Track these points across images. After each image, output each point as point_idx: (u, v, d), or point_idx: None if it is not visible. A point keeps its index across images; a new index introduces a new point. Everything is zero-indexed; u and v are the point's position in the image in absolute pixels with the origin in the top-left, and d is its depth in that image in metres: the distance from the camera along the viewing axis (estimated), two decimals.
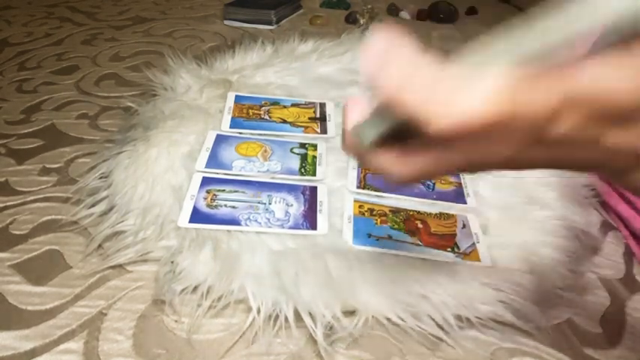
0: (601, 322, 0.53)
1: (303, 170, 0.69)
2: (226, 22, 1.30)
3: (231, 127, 0.76)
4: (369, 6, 1.31)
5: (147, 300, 0.53)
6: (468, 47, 0.23)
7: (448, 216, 0.63)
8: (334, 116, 0.81)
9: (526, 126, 0.22)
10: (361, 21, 1.28)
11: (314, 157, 0.71)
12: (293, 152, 0.72)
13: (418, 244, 0.58)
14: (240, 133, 0.76)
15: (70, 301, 0.53)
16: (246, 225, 0.59)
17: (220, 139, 0.73)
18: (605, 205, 0.69)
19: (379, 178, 0.68)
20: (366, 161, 0.30)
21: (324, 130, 0.78)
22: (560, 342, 0.50)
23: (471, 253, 0.58)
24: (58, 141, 0.79)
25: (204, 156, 0.69)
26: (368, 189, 0.66)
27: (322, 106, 0.83)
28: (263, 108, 0.81)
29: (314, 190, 0.65)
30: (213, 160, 0.69)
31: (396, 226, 0.60)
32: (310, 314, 0.50)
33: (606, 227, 0.66)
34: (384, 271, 0.53)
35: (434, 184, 0.69)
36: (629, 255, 0.62)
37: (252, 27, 1.27)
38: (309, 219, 0.60)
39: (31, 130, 0.82)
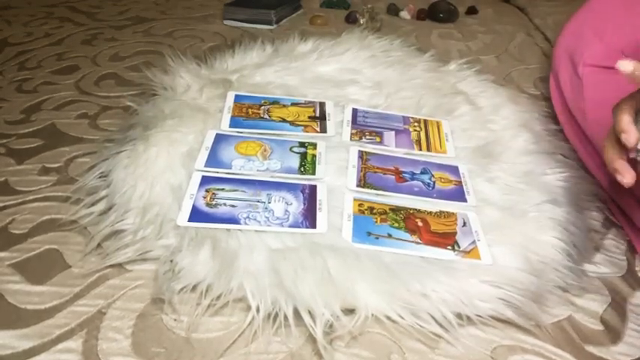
0: (602, 319, 0.53)
1: (302, 169, 0.68)
2: (226, 22, 1.30)
3: (230, 126, 0.76)
4: (369, 6, 1.31)
5: (146, 299, 0.53)
6: None
7: (448, 214, 0.63)
8: (334, 115, 0.80)
9: None
10: (361, 21, 1.27)
11: (313, 155, 0.71)
12: (292, 151, 0.72)
13: (418, 243, 0.58)
14: (240, 132, 0.75)
15: (69, 300, 0.53)
16: (246, 224, 0.59)
17: (220, 139, 0.73)
18: (609, 203, 0.69)
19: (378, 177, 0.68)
20: None
21: (323, 129, 0.78)
22: (561, 339, 0.50)
23: (472, 251, 0.57)
24: (57, 141, 0.79)
25: (203, 155, 0.69)
26: (368, 187, 0.66)
27: (322, 105, 0.83)
28: (262, 107, 0.81)
29: (313, 188, 0.65)
30: (213, 159, 0.69)
31: (396, 225, 0.60)
32: (309, 313, 0.50)
33: (608, 225, 0.66)
34: (383, 270, 0.53)
35: (434, 182, 0.69)
36: (631, 252, 0.62)
37: (251, 27, 1.27)
38: (309, 217, 0.60)
39: (31, 129, 0.82)
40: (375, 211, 0.62)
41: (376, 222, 0.61)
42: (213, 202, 0.62)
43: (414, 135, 0.78)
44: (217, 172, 0.67)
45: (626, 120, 0.46)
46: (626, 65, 0.46)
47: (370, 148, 0.74)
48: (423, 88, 0.89)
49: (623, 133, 0.46)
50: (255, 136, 0.75)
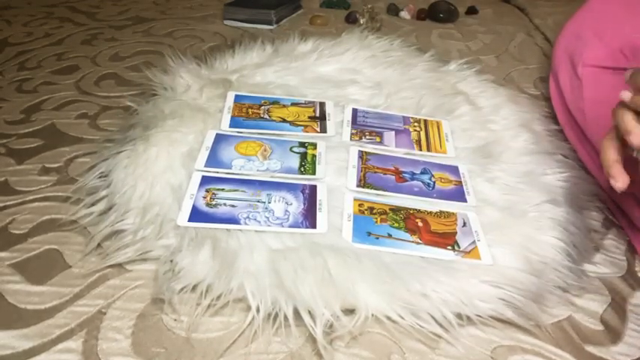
0: (602, 319, 0.53)
1: (302, 169, 0.68)
2: (226, 22, 1.30)
3: (230, 126, 0.76)
4: (369, 6, 1.31)
5: (146, 299, 0.53)
6: None
7: (448, 214, 0.63)
8: (334, 115, 0.81)
9: None
10: (361, 21, 1.27)
11: (314, 155, 0.71)
12: (293, 151, 0.72)
13: (418, 243, 0.58)
14: (240, 132, 0.75)
15: (69, 300, 0.53)
16: (246, 224, 0.59)
17: (220, 139, 0.73)
18: (609, 204, 0.69)
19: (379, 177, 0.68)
20: None
21: (323, 129, 0.78)
22: (561, 339, 0.50)
23: (472, 252, 0.57)
24: (57, 141, 0.79)
25: (203, 155, 0.69)
26: (368, 187, 0.66)
27: (322, 105, 0.83)
28: (263, 107, 0.81)
29: (313, 188, 0.65)
30: (213, 159, 0.69)
31: (396, 225, 0.60)
32: (309, 313, 0.50)
33: (608, 225, 0.66)
34: (383, 270, 0.53)
35: (434, 182, 0.69)
36: (631, 252, 0.62)
37: (252, 27, 1.27)
38: (309, 218, 0.60)
39: (31, 129, 0.82)
40: (375, 211, 0.62)
41: (376, 222, 0.61)
42: (213, 202, 0.62)
43: (414, 135, 0.78)
44: (217, 172, 0.67)
45: (629, 118, 0.46)
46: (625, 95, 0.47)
47: (370, 148, 0.74)
48: (423, 88, 0.89)
49: (629, 135, 0.46)
50: (255, 136, 0.75)
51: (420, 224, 0.61)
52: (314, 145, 0.73)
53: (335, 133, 0.77)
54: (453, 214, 0.63)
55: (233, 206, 0.61)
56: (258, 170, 0.68)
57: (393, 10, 1.40)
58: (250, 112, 0.79)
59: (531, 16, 1.39)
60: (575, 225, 0.62)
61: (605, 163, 0.50)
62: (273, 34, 1.22)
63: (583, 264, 0.59)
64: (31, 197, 0.67)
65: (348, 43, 0.99)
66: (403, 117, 0.82)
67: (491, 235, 0.60)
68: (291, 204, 0.62)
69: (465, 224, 0.62)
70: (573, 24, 0.87)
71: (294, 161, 0.70)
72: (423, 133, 0.79)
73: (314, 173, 0.68)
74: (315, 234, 0.58)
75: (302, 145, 0.73)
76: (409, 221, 0.61)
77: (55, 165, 0.73)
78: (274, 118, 0.79)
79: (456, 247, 0.58)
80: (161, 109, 0.77)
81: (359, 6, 1.40)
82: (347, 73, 0.92)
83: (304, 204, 0.62)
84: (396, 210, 0.63)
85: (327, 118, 0.80)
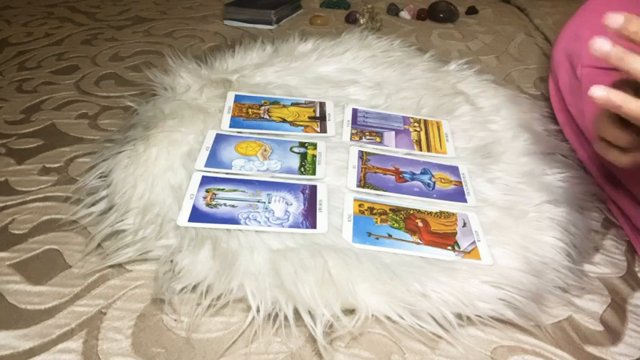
0: (602, 319, 0.53)
1: (302, 169, 0.68)
2: (226, 22, 1.30)
3: (230, 126, 0.76)
4: (369, 6, 1.31)
5: (146, 299, 0.53)
6: None
7: (448, 214, 0.63)
8: (334, 115, 0.81)
9: None
10: (361, 21, 1.27)
11: (314, 156, 0.71)
12: (293, 151, 0.72)
13: (418, 243, 0.58)
14: (240, 132, 0.75)
15: (69, 300, 0.53)
16: (246, 224, 0.59)
17: (220, 139, 0.73)
18: (609, 204, 0.69)
19: (379, 177, 0.68)
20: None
21: (323, 129, 0.78)
22: (561, 340, 0.50)
23: (472, 252, 0.57)
24: (57, 141, 0.79)
25: (203, 155, 0.69)
26: (368, 188, 0.66)
27: (322, 105, 0.83)
28: (263, 107, 0.81)
29: (314, 188, 0.65)
30: (213, 160, 0.69)
31: (396, 225, 0.60)
32: (310, 313, 0.50)
33: (608, 225, 0.66)
34: (383, 270, 0.53)
35: (434, 182, 0.69)
36: (631, 253, 0.62)
37: (252, 27, 1.27)
38: (309, 218, 0.60)
39: (31, 129, 0.82)
40: (375, 211, 0.62)
41: (376, 222, 0.61)
42: (214, 203, 0.62)
43: (414, 135, 0.78)
44: (217, 173, 0.67)
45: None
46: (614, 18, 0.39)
47: (370, 148, 0.74)
48: (423, 89, 0.89)
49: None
50: (255, 136, 0.75)
51: (420, 224, 0.61)
52: (314, 145, 0.73)
53: (335, 133, 0.77)
54: (453, 214, 0.63)
55: (233, 206, 0.61)
56: (258, 170, 0.68)
57: (393, 10, 1.40)
58: (250, 113, 0.79)
59: (531, 16, 1.39)
60: (575, 225, 0.62)
61: (625, 144, 0.45)
62: (273, 34, 1.22)
63: (583, 264, 0.59)
64: (31, 197, 0.67)
65: (348, 43, 0.99)
66: (403, 117, 0.82)
67: (492, 236, 0.60)
68: (291, 204, 0.62)
69: (465, 224, 0.62)
70: (573, 24, 0.87)
71: (294, 161, 0.70)
72: (423, 134, 0.79)
73: (314, 173, 0.68)
74: (315, 234, 0.58)
75: (302, 145, 0.73)
76: (409, 221, 0.61)
77: (55, 165, 0.73)
78: (274, 119, 0.79)
79: (456, 248, 0.58)
80: (161, 109, 0.77)
81: (359, 6, 1.40)
82: (347, 73, 0.92)
83: (304, 204, 0.62)
84: (396, 210, 0.63)
85: (327, 118, 0.80)
